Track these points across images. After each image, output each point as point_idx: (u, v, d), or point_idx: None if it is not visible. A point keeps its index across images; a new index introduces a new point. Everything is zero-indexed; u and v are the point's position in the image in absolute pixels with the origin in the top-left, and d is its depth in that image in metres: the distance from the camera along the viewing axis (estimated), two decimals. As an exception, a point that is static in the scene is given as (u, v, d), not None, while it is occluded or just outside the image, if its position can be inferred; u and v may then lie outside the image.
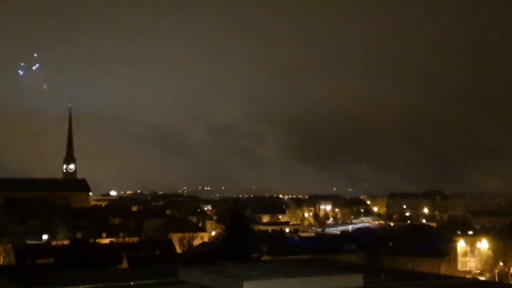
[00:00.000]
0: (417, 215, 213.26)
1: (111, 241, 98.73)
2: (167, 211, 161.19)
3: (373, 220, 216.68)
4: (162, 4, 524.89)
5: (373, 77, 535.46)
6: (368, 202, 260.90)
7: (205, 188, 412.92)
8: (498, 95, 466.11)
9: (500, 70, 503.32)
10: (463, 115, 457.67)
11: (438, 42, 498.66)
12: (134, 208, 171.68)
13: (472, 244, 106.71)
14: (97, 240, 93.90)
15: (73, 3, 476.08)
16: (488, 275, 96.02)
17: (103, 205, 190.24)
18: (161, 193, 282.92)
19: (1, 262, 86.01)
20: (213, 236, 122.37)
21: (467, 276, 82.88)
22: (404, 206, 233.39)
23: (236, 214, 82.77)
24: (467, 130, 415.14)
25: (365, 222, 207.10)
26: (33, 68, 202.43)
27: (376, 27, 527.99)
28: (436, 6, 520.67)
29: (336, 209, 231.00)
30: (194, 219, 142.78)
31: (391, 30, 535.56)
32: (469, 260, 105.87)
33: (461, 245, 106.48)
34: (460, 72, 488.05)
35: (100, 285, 38.99)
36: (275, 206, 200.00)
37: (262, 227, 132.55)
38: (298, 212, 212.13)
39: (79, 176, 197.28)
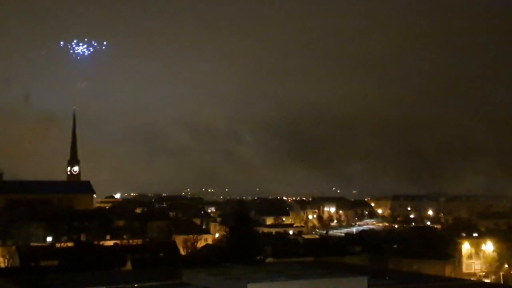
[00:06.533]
0: (422, 217, 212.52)
1: (115, 243, 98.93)
2: (171, 213, 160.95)
3: (378, 222, 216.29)
4: (145, 7, 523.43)
5: (361, 79, 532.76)
6: (372, 204, 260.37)
7: (209, 190, 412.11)
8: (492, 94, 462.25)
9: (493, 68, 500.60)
10: (460, 116, 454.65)
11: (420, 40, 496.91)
12: (138, 210, 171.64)
13: (477, 246, 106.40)
14: (101, 242, 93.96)
15: (73, 7, 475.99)
16: (493, 277, 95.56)
17: (107, 207, 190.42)
18: (165, 195, 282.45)
19: (6, 264, 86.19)
20: (217, 238, 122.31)
21: (472, 279, 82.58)
22: (409, 208, 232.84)
23: (240, 216, 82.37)
24: (467, 131, 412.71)
25: (369, 224, 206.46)
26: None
27: (358, 29, 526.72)
28: (412, 6, 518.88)
29: (340, 211, 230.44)
30: (198, 221, 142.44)
31: (381, 32, 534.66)
32: (474, 263, 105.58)
33: (466, 247, 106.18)
34: (455, 72, 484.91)
35: (104, 287, 39.03)
36: (279, 208, 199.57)
37: (266, 229, 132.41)
38: (302, 214, 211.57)
39: (83, 178, 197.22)
